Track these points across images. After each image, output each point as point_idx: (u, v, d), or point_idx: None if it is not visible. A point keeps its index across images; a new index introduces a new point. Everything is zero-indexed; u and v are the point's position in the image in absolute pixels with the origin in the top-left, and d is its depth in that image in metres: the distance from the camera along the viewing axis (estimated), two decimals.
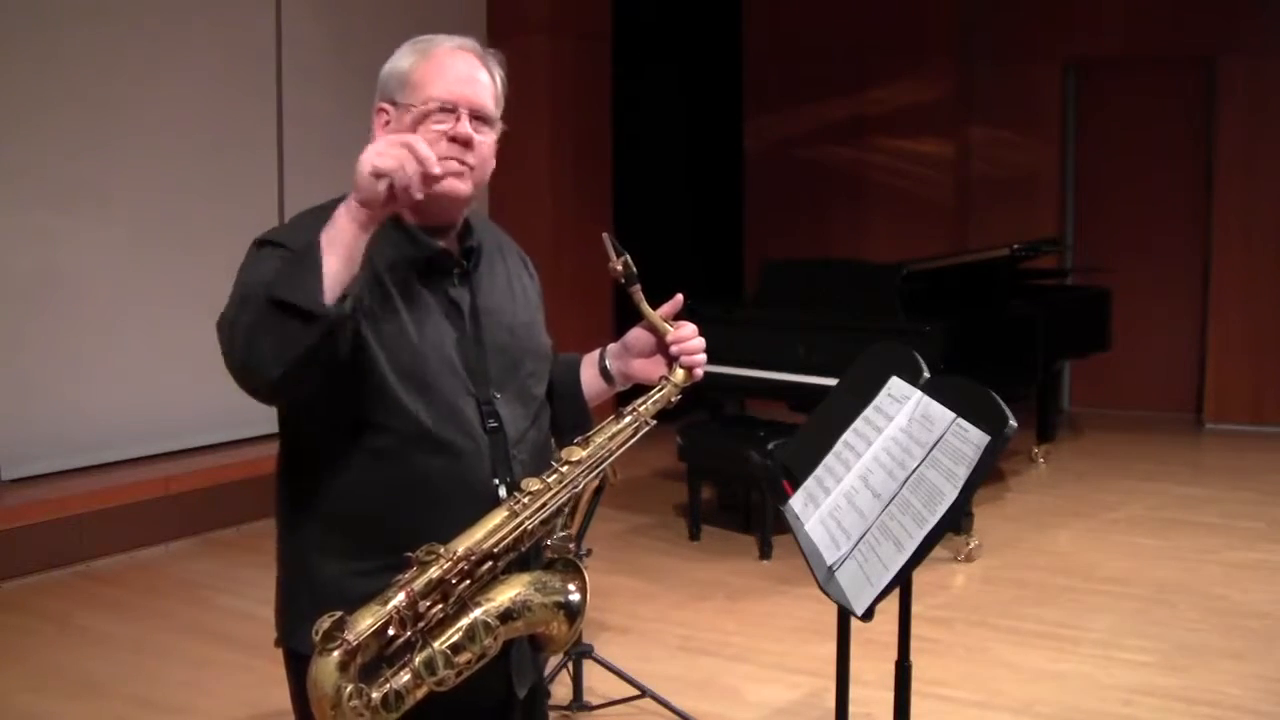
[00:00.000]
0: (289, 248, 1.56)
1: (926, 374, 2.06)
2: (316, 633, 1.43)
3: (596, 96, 7.22)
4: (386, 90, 1.69)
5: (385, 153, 1.44)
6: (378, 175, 1.44)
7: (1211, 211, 7.47)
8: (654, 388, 1.78)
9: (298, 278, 1.44)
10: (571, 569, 1.63)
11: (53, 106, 4.85)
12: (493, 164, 1.74)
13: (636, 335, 1.82)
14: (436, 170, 1.47)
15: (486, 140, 1.69)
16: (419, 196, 1.47)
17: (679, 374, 1.78)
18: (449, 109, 1.64)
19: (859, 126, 8.40)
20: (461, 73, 1.67)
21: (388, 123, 1.68)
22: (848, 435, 2.11)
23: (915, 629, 2.16)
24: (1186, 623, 4.08)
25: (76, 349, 4.98)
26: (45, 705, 3.49)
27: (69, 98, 4.90)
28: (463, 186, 1.67)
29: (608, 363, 1.86)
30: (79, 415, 5.02)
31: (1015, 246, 5.75)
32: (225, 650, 3.89)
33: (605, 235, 1.75)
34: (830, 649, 2.43)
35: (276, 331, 1.43)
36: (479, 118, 1.67)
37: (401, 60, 1.69)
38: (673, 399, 1.78)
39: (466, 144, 1.65)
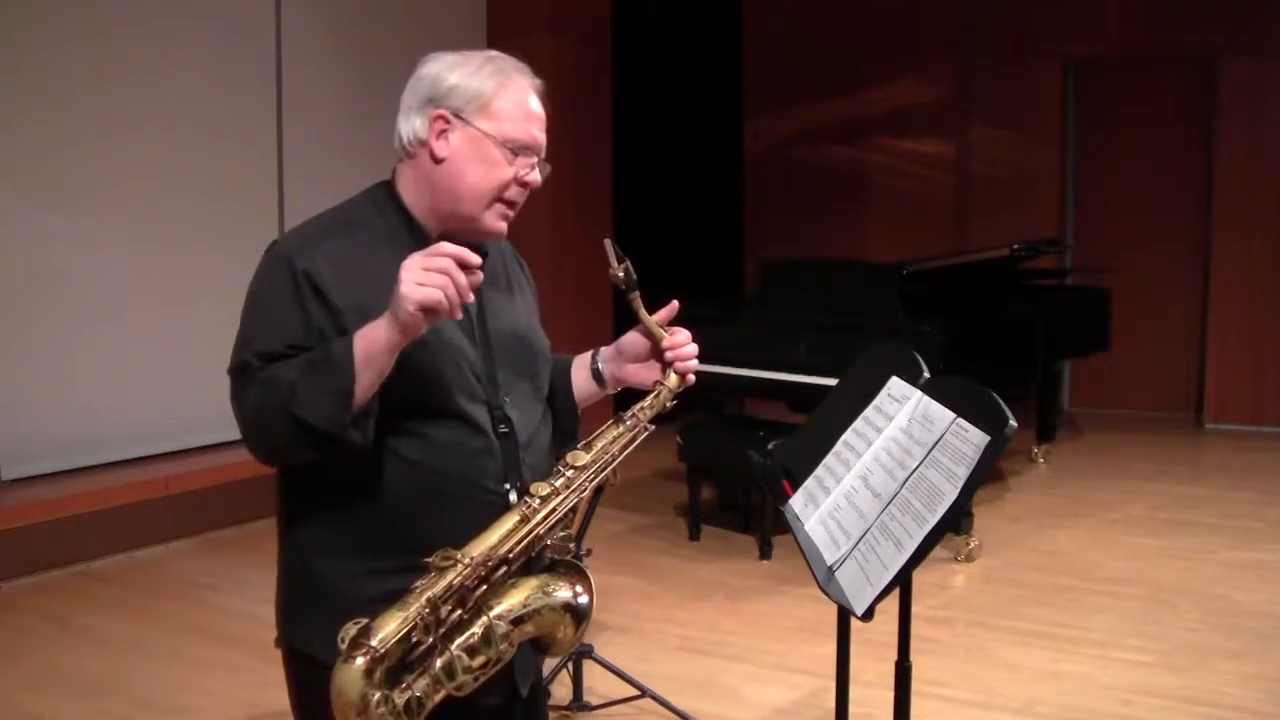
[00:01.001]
0: (306, 270, 1.57)
1: (926, 374, 2.06)
2: (343, 640, 1.44)
3: (596, 96, 7.22)
4: (454, 101, 1.65)
5: (426, 284, 1.44)
6: (424, 310, 1.45)
7: (1211, 211, 7.47)
8: (649, 393, 1.79)
9: (324, 396, 1.48)
10: (575, 571, 1.64)
11: (49, 103, 4.85)
12: None
13: (631, 340, 1.83)
14: (470, 298, 1.49)
15: None
16: (459, 317, 1.50)
17: (672, 379, 1.79)
18: (526, 151, 1.67)
19: (859, 126, 8.41)
20: (537, 113, 1.70)
21: (444, 132, 1.65)
22: (848, 435, 2.11)
23: (915, 629, 2.16)
24: (1186, 623, 4.08)
25: (76, 348, 4.98)
26: (45, 705, 3.49)
27: (66, 94, 4.89)
28: (506, 228, 1.71)
29: (600, 365, 1.87)
30: (79, 415, 5.02)
31: (1015, 246, 5.74)
32: (225, 650, 3.89)
33: (607, 241, 1.75)
34: (830, 649, 2.43)
35: (290, 436, 1.50)
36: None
37: (480, 80, 1.66)
38: (668, 404, 1.80)
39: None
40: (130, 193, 5.16)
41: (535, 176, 1.68)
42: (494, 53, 1.72)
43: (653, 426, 1.76)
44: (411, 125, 1.66)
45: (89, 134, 4.99)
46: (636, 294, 1.76)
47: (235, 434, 1.61)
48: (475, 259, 1.47)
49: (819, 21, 8.38)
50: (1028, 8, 7.83)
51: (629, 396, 1.81)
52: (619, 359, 1.85)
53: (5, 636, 4.03)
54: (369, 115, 5.79)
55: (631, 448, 1.73)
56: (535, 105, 1.70)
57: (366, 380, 1.49)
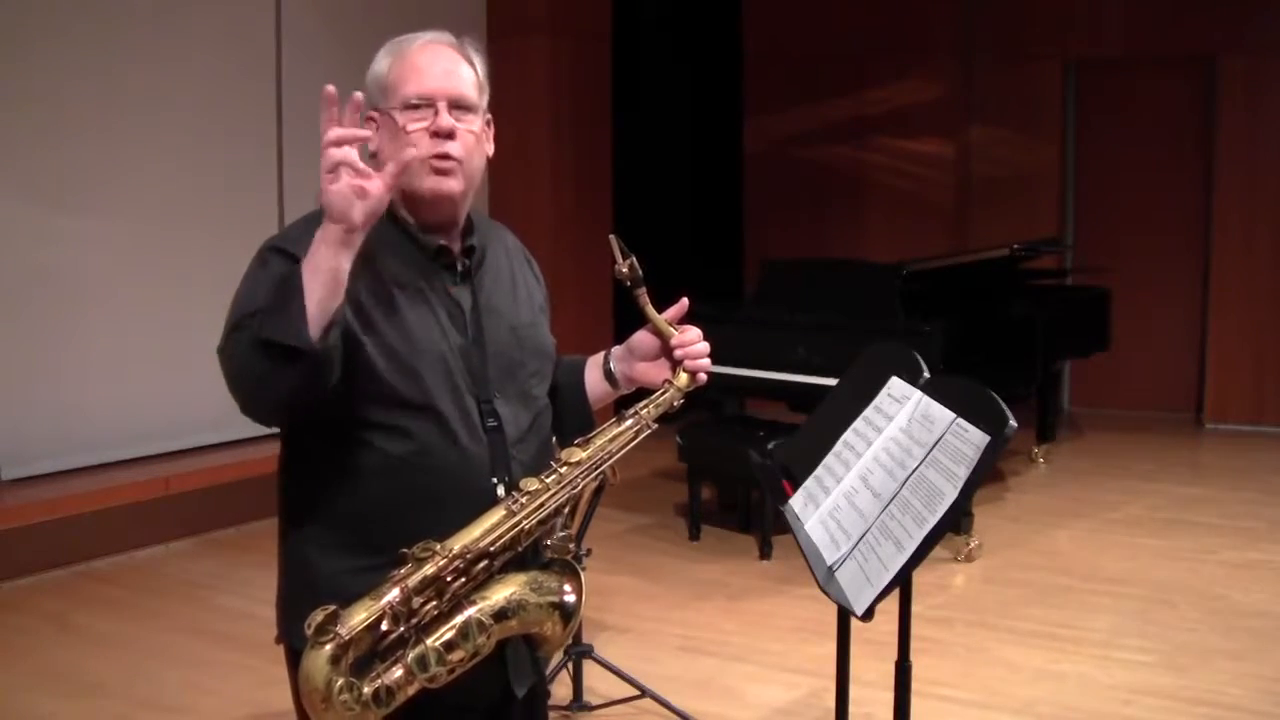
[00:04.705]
0: (294, 256, 1.57)
1: (926, 374, 2.06)
2: (309, 626, 1.45)
3: (596, 96, 7.22)
4: (371, 97, 1.69)
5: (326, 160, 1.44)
6: (332, 169, 1.43)
7: (1211, 211, 7.46)
8: (656, 391, 1.78)
9: (281, 313, 1.44)
10: (568, 569, 1.64)
11: (48, 102, 4.84)
12: (487, 151, 1.74)
13: (641, 338, 1.82)
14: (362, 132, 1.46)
15: (471, 129, 1.68)
16: (370, 178, 1.45)
17: (682, 378, 1.78)
18: (427, 104, 1.64)
19: (859, 126, 8.40)
20: (436, 67, 1.67)
21: (378, 129, 1.68)
22: (848, 435, 2.11)
23: (915, 629, 2.16)
24: (1186, 623, 4.08)
25: (76, 348, 4.97)
26: (45, 705, 3.49)
27: (64, 92, 4.88)
28: (451, 184, 1.67)
29: (612, 365, 1.86)
30: (79, 415, 5.02)
31: (1015, 246, 5.75)
32: (225, 650, 3.89)
33: (612, 236, 1.75)
34: (830, 649, 2.43)
35: (264, 369, 1.45)
36: (460, 107, 1.67)
37: (378, 65, 1.69)
38: (675, 403, 1.79)
39: (449, 136, 1.65)
40: (130, 192, 5.15)
41: (443, 120, 1.64)
42: (405, 35, 1.72)
43: (655, 425, 1.75)
44: None
45: (88, 134, 4.98)
46: (642, 290, 1.75)
47: (235, 434, 1.62)
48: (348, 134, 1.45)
49: (819, 22, 8.37)
50: (1028, 8, 7.83)
51: (639, 396, 1.81)
52: (630, 358, 1.84)
53: (5, 636, 4.03)
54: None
55: (631, 446, 1.72)
56: (435, 59, 1.67)
57: (318, 285, 1.45)
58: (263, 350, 1.44)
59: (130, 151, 5.14)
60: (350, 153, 1.45)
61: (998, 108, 8.01)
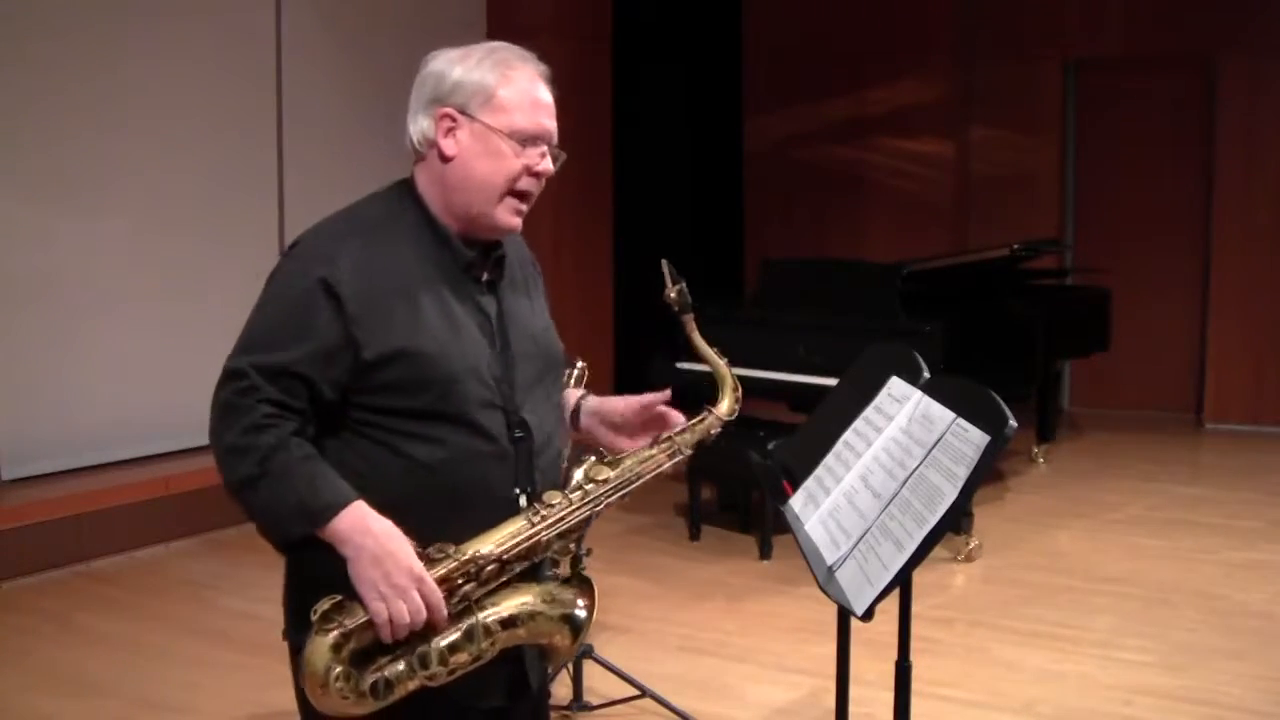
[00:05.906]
0: (325, 278, 1.57)
1: (926, 374, 2.06)
2: (315, 612, 1.47)
3: (597, 97, 7.22)
4: (458, 97, 1.64)
5: (386, 598, 1.50)
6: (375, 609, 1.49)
7: (1211, 211, 7.46)
8: (695, 418, 1.81)
9: (281, 518, 1.56)
10: (583, 584, 1.65)
11: (49, 103, 4.84)
12: None
13: (617, 406, 1.85)
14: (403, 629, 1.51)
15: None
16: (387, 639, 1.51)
17: (723, 405, 1.83)
18: (534, 142, 1.66)
19: (859, 126, 8.40)
20: (544, 102, 1.68)
21: (451, 130, 1.65)
22: (848, 435, 2.11)
23: (915, 629, 2.16)
24: (1186, 623, 4.08)
25: (76, 348, 4.98)
26: (45, 705, 3.49)
27: (65, 93, 4.89)
28: (520, 222, 1.70)
29: (582, 416, 1.88)
30: (79, 415, 5.02)
31: (1015, 246, 5.74)
32: (225, 650, 3.89)
33: (664, 262, 1.77)
34: (830, 649, 2.43)
35: (234, 487, 1.65)
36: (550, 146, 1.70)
37: (482, 73, 1.65)
38: (713, 430, 1.82)
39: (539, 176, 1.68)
40: (130, 192, 5.15)
41: (547, 165, 1.67)
42: (497, 44, 1.70)
43: (690, 451, 1.78)
44: (420, 126, 1.67)
45: (89, 134, 4.98)
46: (690, 316, 1.77)
47: None
48: (442, 613, 1.52)
49: (819, 21, 8.37)
50: (1028, 8, 7.83)
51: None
52: (598, 416, 1.87)
53: (5, 636, 4.03)
54: (369, 115, 5.77)
55: (661, 470, 1.75)
56: (542, 93, 1.68)
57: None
58: (243, 495, 1.61)
59: (131, 153, 5.14)
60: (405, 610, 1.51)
61: (998, 108, 8.01)
